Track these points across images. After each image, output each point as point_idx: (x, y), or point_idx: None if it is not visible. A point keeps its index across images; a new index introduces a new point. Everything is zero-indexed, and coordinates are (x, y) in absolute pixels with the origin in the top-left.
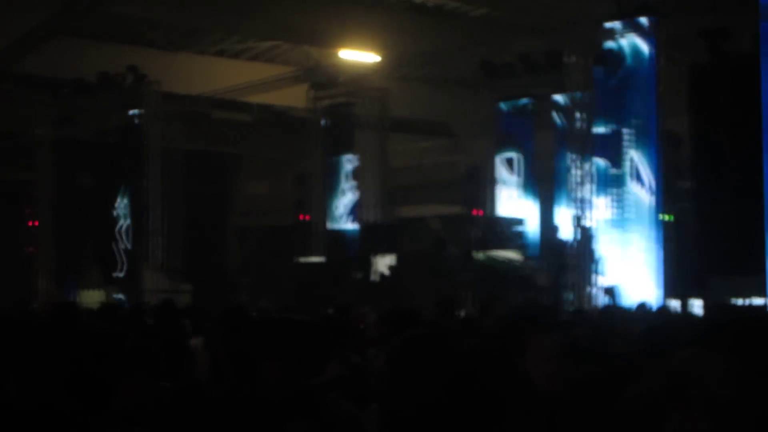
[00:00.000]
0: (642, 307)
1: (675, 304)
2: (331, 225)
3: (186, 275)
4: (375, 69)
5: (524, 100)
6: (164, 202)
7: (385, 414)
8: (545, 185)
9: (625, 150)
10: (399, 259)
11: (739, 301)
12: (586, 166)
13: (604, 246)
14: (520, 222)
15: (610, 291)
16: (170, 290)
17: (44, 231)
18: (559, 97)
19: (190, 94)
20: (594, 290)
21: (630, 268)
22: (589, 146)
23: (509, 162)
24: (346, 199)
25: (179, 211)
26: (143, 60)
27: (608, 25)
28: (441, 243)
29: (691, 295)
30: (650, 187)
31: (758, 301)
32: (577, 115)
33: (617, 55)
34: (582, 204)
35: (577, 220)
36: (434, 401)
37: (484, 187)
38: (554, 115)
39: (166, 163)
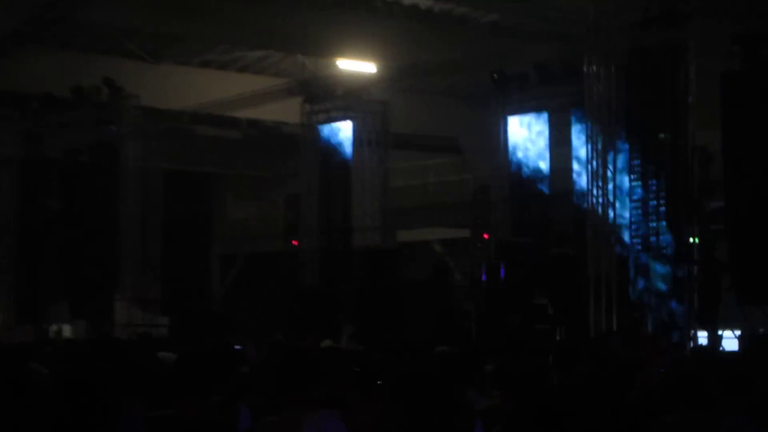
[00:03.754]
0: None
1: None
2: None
3: (163, 307)
4: (375, 80)
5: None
6: (141, 226)
7: None
8: (565, 207)
9: (650, 167)
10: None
11: None
12: (608, 185)
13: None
14: (536, 246)
15: (635, 316)
16: (145, 324)
17: (6, 259)
18: (577, 111)
19: (172, 109)
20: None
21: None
22: (611, 164)
23: None
24: None
25: (157, 237)
26: (120, 72)
27: (632, 31)
28: (445, 270)
29: (722, 325)
30: (676, 206)
31: None
32: (598, 129)
33: (642, 63)
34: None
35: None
36: None
37: (494, 208)
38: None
39: (144, 185)
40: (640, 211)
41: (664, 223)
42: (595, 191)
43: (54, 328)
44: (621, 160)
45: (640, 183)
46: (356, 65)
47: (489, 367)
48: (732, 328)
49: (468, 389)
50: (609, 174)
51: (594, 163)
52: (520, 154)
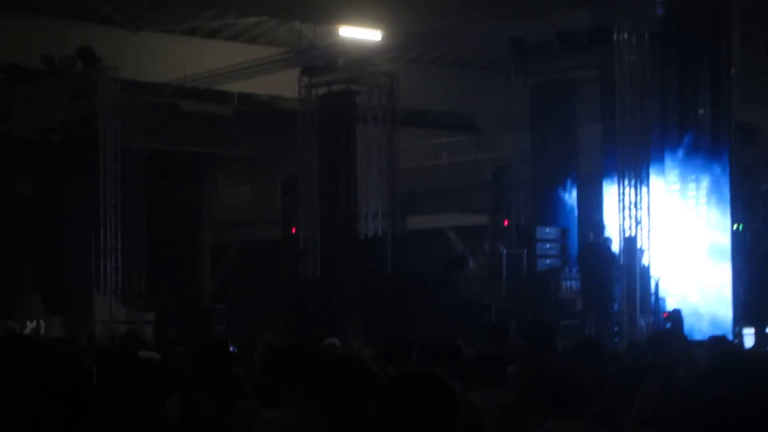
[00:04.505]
0: (715, 340)
1: (750, 333)
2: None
3: (148, 302)
4: (381, 50)
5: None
6: (122, 213)
7: None
8: (592, 189)
9: (688, 144)
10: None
11: None
12: (641, 165)
13: (661, 262)
14: (563, 233)
15: (672, 317)
16: (128, 321)
17: None
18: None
19: (155, 82)
20: (649, 317)
21: (696, 289)
22: (645, 140)
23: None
24: None
25: (140, 224)
26: (96, 40)
27: None
28: (461, 260)
29: None
30: (719, 191)
31: None
32: (629, 103)
33: (679, 30)
34: (634, 210)
35: (627, 229)
36: None
37: (515, 191)
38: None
39: (124, 167)
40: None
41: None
42: (626, 173)
43: (31, 325)
44: (655, 137)
45: (677, 163)
46: (360, 33)
47: (511, 368)
48: None
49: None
50: (642, 156)
51: (624, 141)
52: (543, 132)
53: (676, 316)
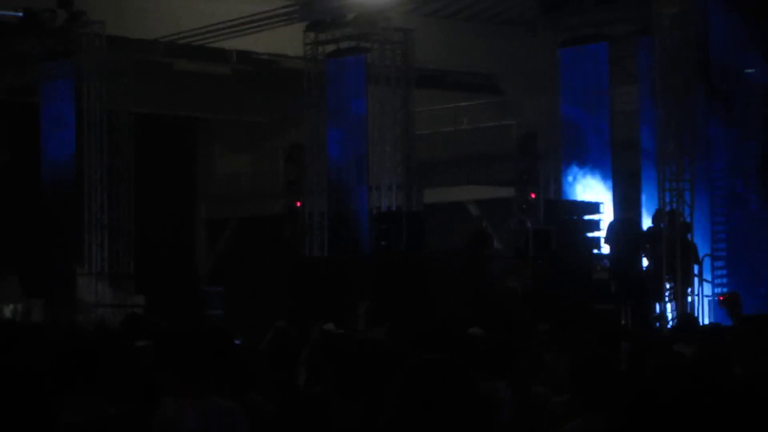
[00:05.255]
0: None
1: None
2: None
3: (137, 284)
4: (395, 2)
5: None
6: (108, 184)
7: None
8: (629, 159)
9: (735, 112)
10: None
11: None
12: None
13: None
14: (595, 208)
15: (729, 300)
16: (116, 304)
17: None
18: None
19: (144, 39)
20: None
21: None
22: (688, 104)
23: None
24: None
25: (129, 197)
26: None
27: None
28: (483, 237)
29: None
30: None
31: None
32: (670, 63)
33: None
34: (676, 183)
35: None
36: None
37: (543, 161)
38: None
39: (111, 133)
40: (723, 170)
41: (753, 180)
42: (666, 141)
43: (9, 308)
44: (699, 100)
45: (722, 131)
46: None
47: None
48: None
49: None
50: (686, 120)
51: (664, 104)
52: (574, 95)
53: (733, 300)
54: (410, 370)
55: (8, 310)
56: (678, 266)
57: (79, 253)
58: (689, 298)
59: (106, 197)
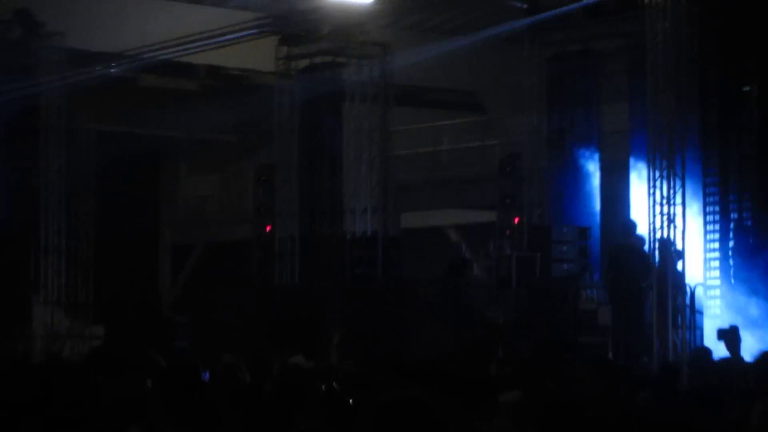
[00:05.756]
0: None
1: None
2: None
3: (96, 313)
4: (373, 15)
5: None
6: (67, 206)
7: None
8: (616, 180)
9: (731, 130)
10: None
11: None
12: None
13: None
14: (583, 232)
15: (727, 334)
16: (72, 335)
17: None
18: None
19: (108, 52)
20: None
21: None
22: (680, 123)
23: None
24: None
25: (89, 220)
26: (40, 3)
27: None
28: (462, 264)
29: None
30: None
31: None
32: (662, 79)
33: None
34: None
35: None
36: None
37: (528, 183)
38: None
39: (70, 152)
40: (716, 188)
41: (748, 203)
42: (657, 162)
43: None
44: (692, 119)
45: (717, 150)
46: None
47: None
48: None
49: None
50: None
51: (655, 124)
52: (561, 114)
53: (732, 334)
54: (378, 411)
55: None
56: (668, 296)
57: (35, 281)
58: (680, 331)
59: (65, 220)
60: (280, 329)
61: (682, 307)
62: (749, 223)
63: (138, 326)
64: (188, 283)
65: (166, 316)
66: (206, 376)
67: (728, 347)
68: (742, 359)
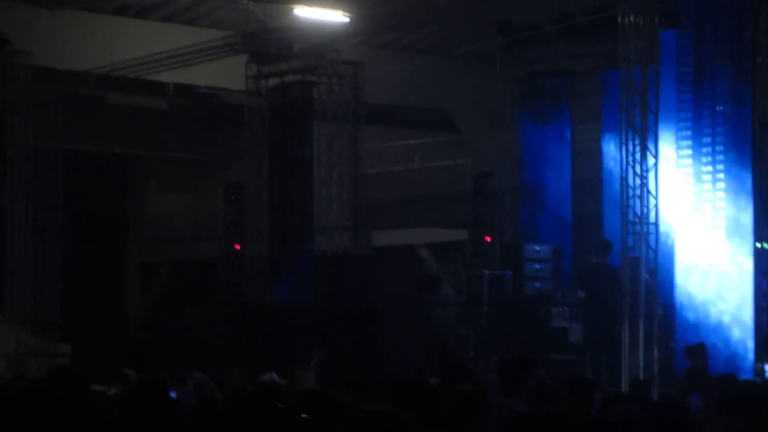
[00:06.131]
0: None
1: None
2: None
3: (63, 332)
4: (344, 34)
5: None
6: (33, 225)
7: None
8: (590, 200)
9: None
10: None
11: None
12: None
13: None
14: (555, 251)
15: (694, 351)
16: (38, 354)
17: None
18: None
19: (75, 70)
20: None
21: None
22: (653, 143)
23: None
24: None
25: (56, 239)
26: (5, 19)
27: None
28: (432, 282)
29: None
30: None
31: None
32: (636, 99)
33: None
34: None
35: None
36: None
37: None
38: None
39: (37, 170)
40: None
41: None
42: (631, 182)
43: None
44: (667, 139)
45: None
46: (318, 13)
47: None
48: None
49: None
50: (651, 161)
51: (629, 145)
52: (533, 132)
53: (700, 351)
54: (353, 425)
55: None
56: (640, 315)
57: (1, 300)
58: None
59: (31, 239)
60: (251, 347)
61: (654, 325)
62: None
63: (105, 345)
64: (157, 302)
65: (134, 334)
66: (174, 395)
67: (694, 364)
68: (710, 376)
